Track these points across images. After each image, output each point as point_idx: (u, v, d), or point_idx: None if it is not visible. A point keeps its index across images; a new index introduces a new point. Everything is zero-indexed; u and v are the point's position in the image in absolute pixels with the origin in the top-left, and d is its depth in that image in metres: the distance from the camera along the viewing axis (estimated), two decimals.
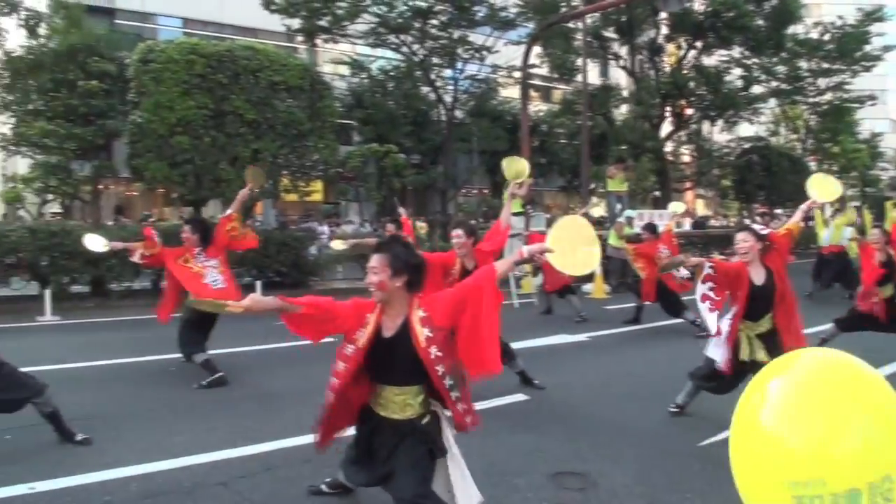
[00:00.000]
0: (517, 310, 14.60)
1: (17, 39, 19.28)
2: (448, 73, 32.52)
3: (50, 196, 26.61)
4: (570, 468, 5.44)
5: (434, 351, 3.86)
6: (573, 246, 4.25)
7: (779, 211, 35.75)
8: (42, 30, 18.29)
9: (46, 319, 13.21)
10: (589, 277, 16.55)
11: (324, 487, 4.86)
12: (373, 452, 4.18)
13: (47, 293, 13.66)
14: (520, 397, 7.52)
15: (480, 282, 3.96)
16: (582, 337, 11.49)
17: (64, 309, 13.85)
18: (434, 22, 29.15)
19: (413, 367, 3.91)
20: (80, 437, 5.92)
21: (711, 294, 6.26)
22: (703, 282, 6.30)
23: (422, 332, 3.87)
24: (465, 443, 5.81)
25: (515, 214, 15.69)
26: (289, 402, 7.26)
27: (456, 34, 29.91)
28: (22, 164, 32.35)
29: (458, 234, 7.14)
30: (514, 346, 9.71)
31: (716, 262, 6.41)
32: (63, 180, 23.63)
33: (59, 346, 10.75)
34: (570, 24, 29.08)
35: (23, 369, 5.79)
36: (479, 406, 6.78)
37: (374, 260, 3.94)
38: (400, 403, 4.04)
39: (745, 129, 44.01)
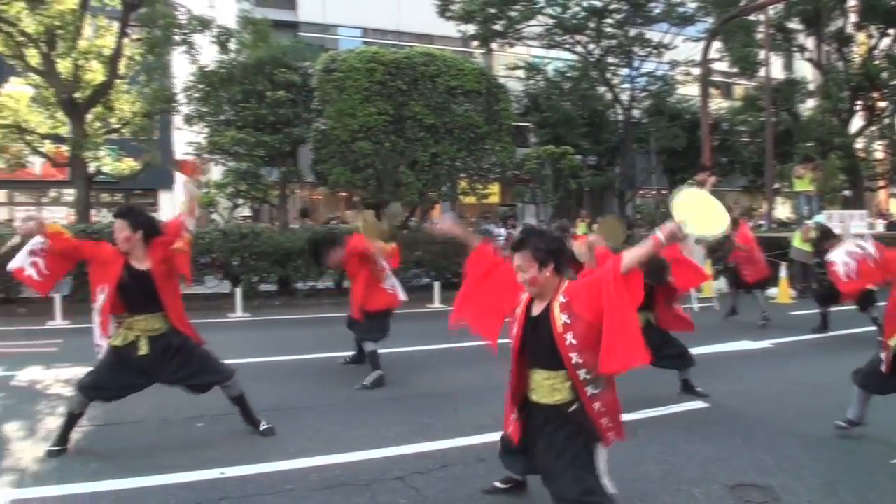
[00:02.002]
0: (697, 314, 14.11)
1: (209, 55, 20.38)
2: (624, 71, 31.98)
3: (240, 200, 28.03)
4: (751, 480, 5.15)
5: (570, 338, 3.84)
6: (702, 213, 4.09)
7: None
8: (232, 45, 19.25)
9: (237, 316, 13.93)
10: (774, 281, 15.81)
11: (497, 484, 4.83)
12: (528, 440, 4.18)
13: (238, 291, 14.41)
14: (698, 404, 7.22)
15: (606, 271, 3.84)
16: (766, 343, 10.94)
17: (253, 307, 14.58)
18: (609, 21, 28.75)
19: (553, 351, 3.90)
20: (264, 425, 6.18)
21: None
22: None
23: (560, 318, 3.88)
24: (640, 448, 5.71)
25: None
26: (466, 401, 7.30)
27: (632, 32, 29.40)
28: (215, 171, 34.33)
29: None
30: (694, 351, 9.44)
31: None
32: (253, 185, 24.84)
33: (247, 341, 11.29)
34: (752, 17, 27.88)
35: None
36: (654, 412, 6.65)
37: (518, 258, 3.97)
38: (548, 388, 4.02)
39: None
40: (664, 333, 7.27)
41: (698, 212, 4.00)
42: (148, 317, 5.65)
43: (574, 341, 3.83)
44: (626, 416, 6.45)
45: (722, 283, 17.33)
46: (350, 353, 9.05)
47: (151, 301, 5.62)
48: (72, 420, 5.68)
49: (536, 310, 4.03)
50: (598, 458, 4.04)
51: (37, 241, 5.55)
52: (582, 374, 3.88)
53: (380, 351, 8.26)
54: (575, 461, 3.94)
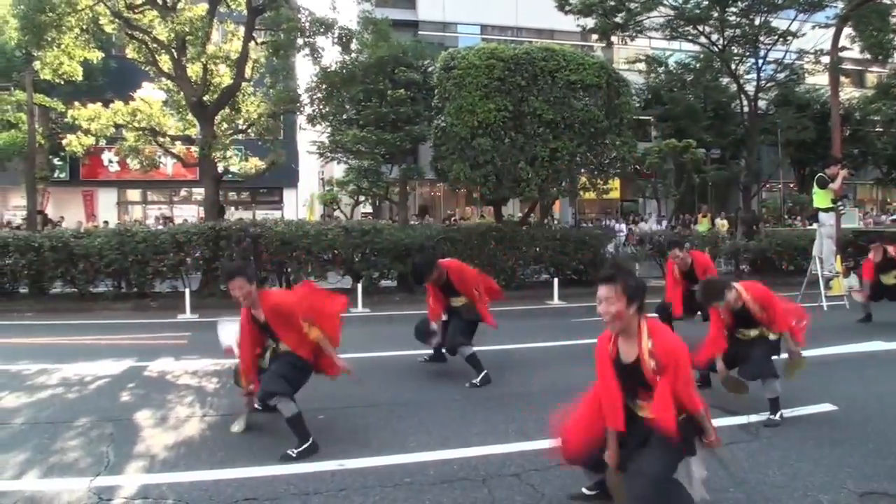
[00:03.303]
0: (826, 313, 13.51)
1: (331, 56, 20.82)
2: (750, 61, 30.98)
3: (362, 197, 28.58)
4: (883, 489, 4.86)
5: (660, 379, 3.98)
6: None
7: None
8: (353, 45, 19.55)
9: (358, 311, 14.12)
10: None
11: (585, 490, 4.72)
12: (624, 443, 4.18)
13: (359, 287, 14.62)
14: (827, 407, 6.87)
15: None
16: None
17: (373, 302, 14.77)
18: (733, 9, 27.88)
19: (649, 386, 4.02)
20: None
21: None
22: None
23: (650, 363, 3.98)
24: (765, 452, 5.49)
25: (825, 210, 14.60)
26: None
27: (757, 20, 28.41)
28: (337, 169, 35.11)
29: None
30: (821, 351, 9.03)
31: None
32: (374, 182, 25.32)
33: (367, 335, 11.44)
34: (887, 0, 26.51)
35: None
36: (782, 413, 6.36)
37: (606, 290, 3.99)
38: (649, 409, 4.08)
39: None
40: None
41: None
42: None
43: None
44: (747, 419, 6.28)
45: (853, 281, 16.55)
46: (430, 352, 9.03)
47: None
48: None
49: (627, 358, 4.10)
50: (691, 464, 4.13)
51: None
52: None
53: (503, 347, 8.22)
54: (667, 451, 3.96)
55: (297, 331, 5.81)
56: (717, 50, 29.36)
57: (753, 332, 6.59)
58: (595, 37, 29.98)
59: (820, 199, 14.41)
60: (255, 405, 6.24)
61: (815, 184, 14.55)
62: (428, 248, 15.02)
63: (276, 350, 5.95)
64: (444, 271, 8.09)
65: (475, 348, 8.06)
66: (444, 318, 8.42)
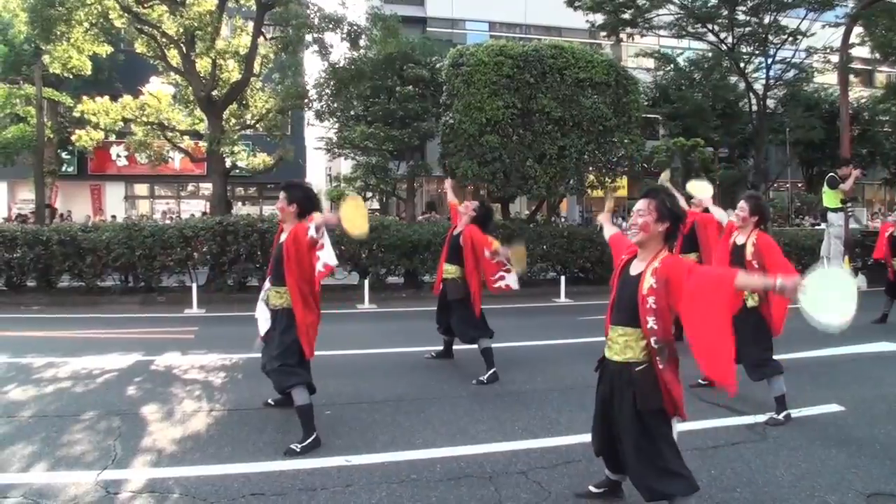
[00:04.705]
0: None
1: (339, 52, 20.80)
2: (758, 60, 30.88)
3: (369, 193, 28.55)
4: (890, 490, 4.86)
5: (651, 302, 3.87)
6: (831, 297, 3.72)
7: None
8: (362, 42, 19.58)
9: (365, 307, 14.15)
10: None
11: (592, 488, 4.70)
12: (604, 414, 4.24)
13: (366, 283, 14.63)
14: (833, 407, 6.85)
15: (718, 275, 3.94)
16: None
17: (380, 298, 14.79)
18: (742, 8, 27.77)
19: (634, 309, 3.94)
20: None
21: None
22: None
23: (648, 280, 3.91)
24: (773, 452, 5.49)
25: (834, 210, 14.55)
26: (592, 397, 7.12)
27: (766, 19, 28.30)
28: (345, 165, 35.11)
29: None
30: (828, 352, 9.02)
31: None
32: (381, 179, 25.29)
33: (374, 332, 11.53)
34: None
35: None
36: (789, 413, 6.33)
37: (642, 203, 4.01)
38: (622, 344, 4.04)
39: None
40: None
41: (828, 294, 3.72)
42: (277, 290, 5.82)
43: (654, 306, 3.87)
44: (754, 419, 6.26)
45: (861, 281, 16.49)
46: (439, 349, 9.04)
47: (281, 275, 5.73)
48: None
49: (634, 270, 4.07)
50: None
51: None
52: (653, 340, 3.89)
53: (510, 345, 8.19)
54: (640, 450, 3.96)
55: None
56: (725, 48, 29.27)
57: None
58: (604, 34, 29.93)
59: (830, 198, 14.38)
60: (270, 401, 6.25)
61: (825, 183, 14.50)
62: None
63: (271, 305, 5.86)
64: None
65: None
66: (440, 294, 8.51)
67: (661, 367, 3.90)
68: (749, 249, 6.41)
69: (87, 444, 5.57)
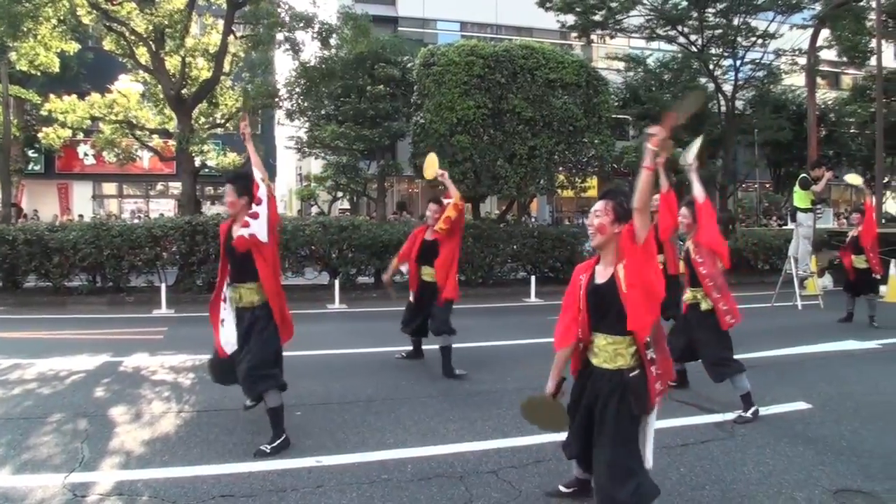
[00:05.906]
0: (800, 312, 13.64)
1: (310, 51, 20.72)
2: (727, 62, 31.12)
3: (340, 193, 28.51)
4: (857, 486, 4.93)
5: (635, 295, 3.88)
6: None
7: None
8: (333, 41, 19.53)
9: (335, 307, 14.11)
10: (884, 280, 15.08)
11: (561, 488, 4.72)
12: (585, 421, 4.21)
13: (336, 283, 14.59)
14: (801, 405, 6.93)
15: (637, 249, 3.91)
16: (872, 344, 10.42)
17: (350, 298, 14.78)
18: (712, 10, 27.97)
19: (620, 315, 3.90)
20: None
21: None
22: None
23: (624, 280, 3.90)
24: (740, 449, 5.54)
25: (804, 211, 14.70)
26: (561, 396, 7.20)
27: (736, 21, 28.52)
28: (315, 165, 35.01)
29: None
30: (795, 350, 9.13)
31: None
32: (352, 178, 25.28)
33: (344, 332, 11.47)
34: (862, 3, 26.73)
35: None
36: (757, 410, 6.41)
37: (600, 204, 4.01)
38: (611, 352, 4.02)
39: None
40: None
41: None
42: (248, 286, 5.53)
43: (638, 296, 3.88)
44: (723, 417, 6.33)
45: (828, 281, 16.71)
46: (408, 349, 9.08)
47: (248, 270, 5.46)
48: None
49: (601, 278, 4.04)
50: (644, 431, 4.07)
51: None
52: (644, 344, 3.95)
53: (480, 345, 8.22)
54: (616, 437, 3.95)
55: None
56: (695, 50, 29.47)
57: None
58: (574, 35, 30.03)
59: (801, 199, 14.52)
60: (248, 403, 6.16)
61: (797, 184, 14.65)
62: None
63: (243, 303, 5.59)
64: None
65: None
66: (412, 298, 8.63)
67: (653, 358, 3.99)
68: (692, 249, 6.54)
69: (54, 446, 5.51)
